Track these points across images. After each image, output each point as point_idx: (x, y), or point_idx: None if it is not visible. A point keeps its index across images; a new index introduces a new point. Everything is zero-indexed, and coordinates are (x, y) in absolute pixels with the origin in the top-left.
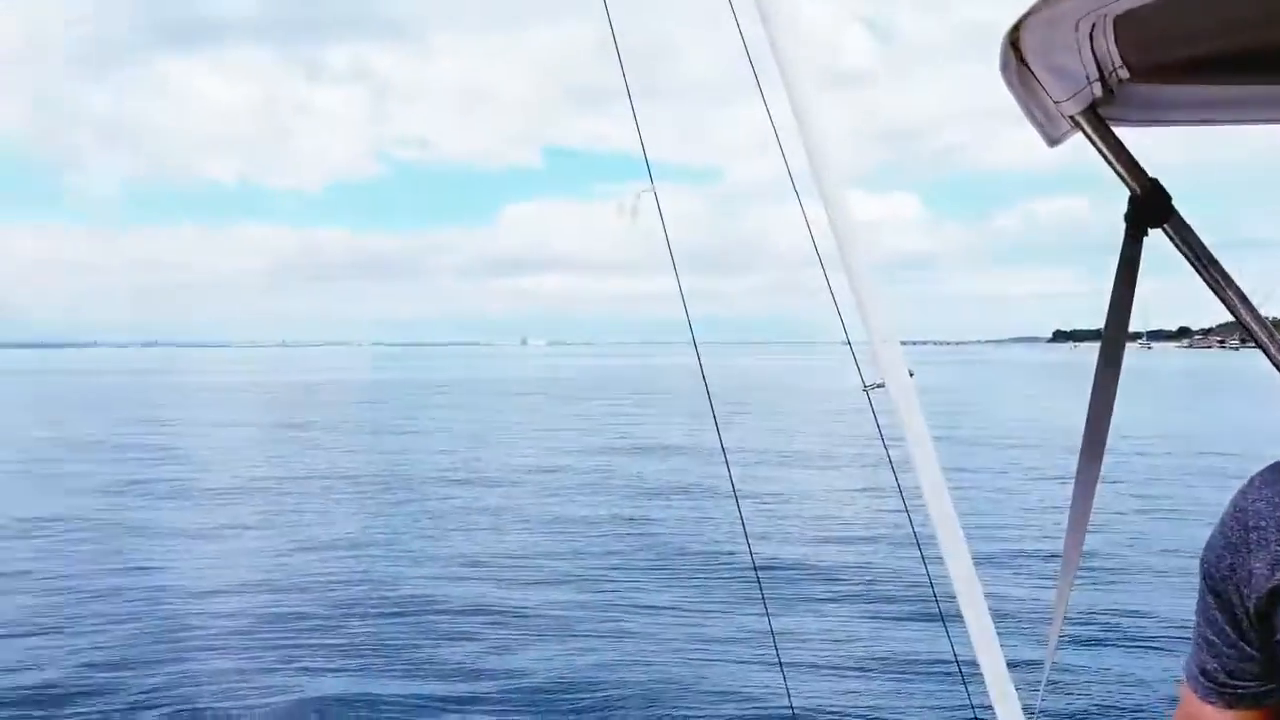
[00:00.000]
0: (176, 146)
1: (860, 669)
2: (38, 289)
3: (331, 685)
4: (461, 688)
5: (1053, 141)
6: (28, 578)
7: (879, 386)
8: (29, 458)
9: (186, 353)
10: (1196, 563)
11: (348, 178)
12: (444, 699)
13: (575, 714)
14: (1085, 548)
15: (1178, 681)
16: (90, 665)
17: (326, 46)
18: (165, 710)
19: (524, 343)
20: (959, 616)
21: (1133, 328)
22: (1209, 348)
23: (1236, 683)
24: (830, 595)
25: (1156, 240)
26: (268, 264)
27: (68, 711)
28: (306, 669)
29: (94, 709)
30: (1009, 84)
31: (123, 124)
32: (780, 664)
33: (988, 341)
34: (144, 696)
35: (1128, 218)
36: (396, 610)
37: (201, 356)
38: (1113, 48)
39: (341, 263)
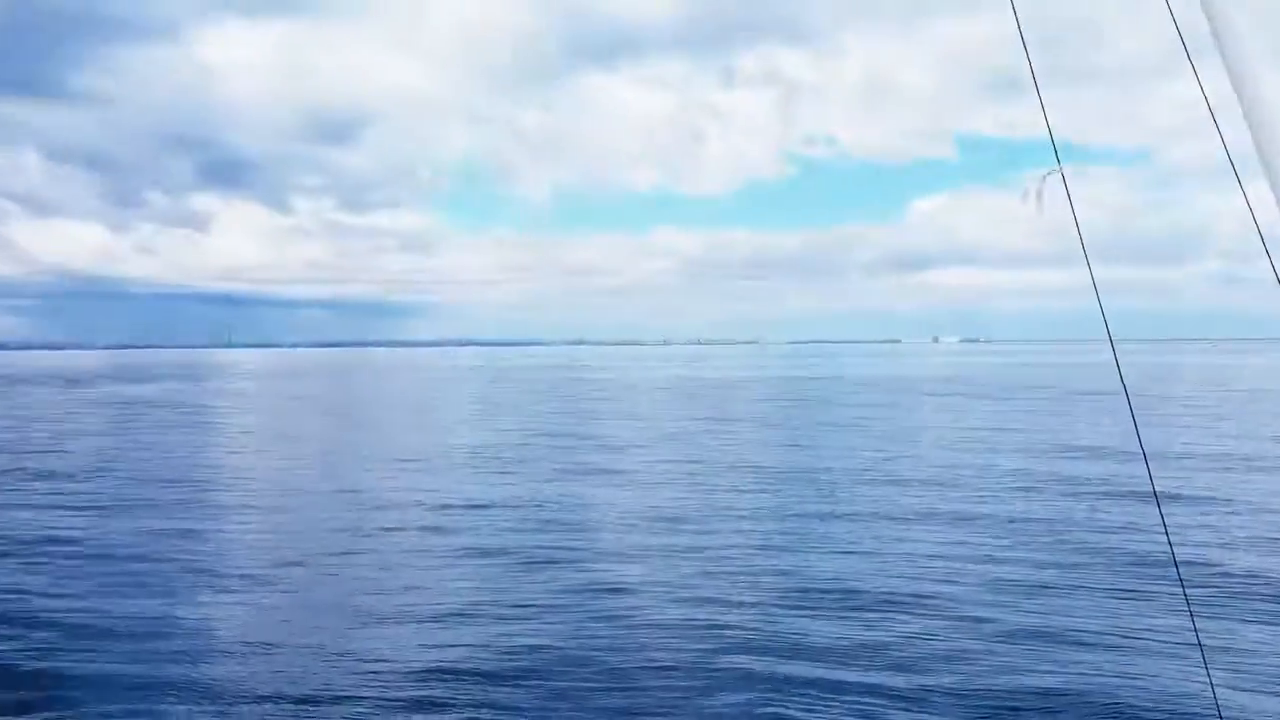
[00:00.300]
0: (600, 158)
1: None
2: (486, 292)
3: (755, 666)
4: (872, 678)
5: None
6: (478, 553)
7: None
8: (486, 444)
9: (608, 351)
10: None
11: (757, 179)
12: (857, 686)
13: (990, 711)
14: None
15: None
16: (523, 644)
17: (737, 52)
18: (597, 686)
19: (935, 340)
20: None
21: None
22: None
23: None
24: (1271, 612)
25: None
26: (680, 266)
27: (507, 687)
28: (729, 648)
29: (533, 687)
30: None
31: (552, 138)
32: (1210, 680)
33: None
34: (574, 671)
35: None
36: (813, 600)
37: (621, 354)
38: None
39: (750, 262)
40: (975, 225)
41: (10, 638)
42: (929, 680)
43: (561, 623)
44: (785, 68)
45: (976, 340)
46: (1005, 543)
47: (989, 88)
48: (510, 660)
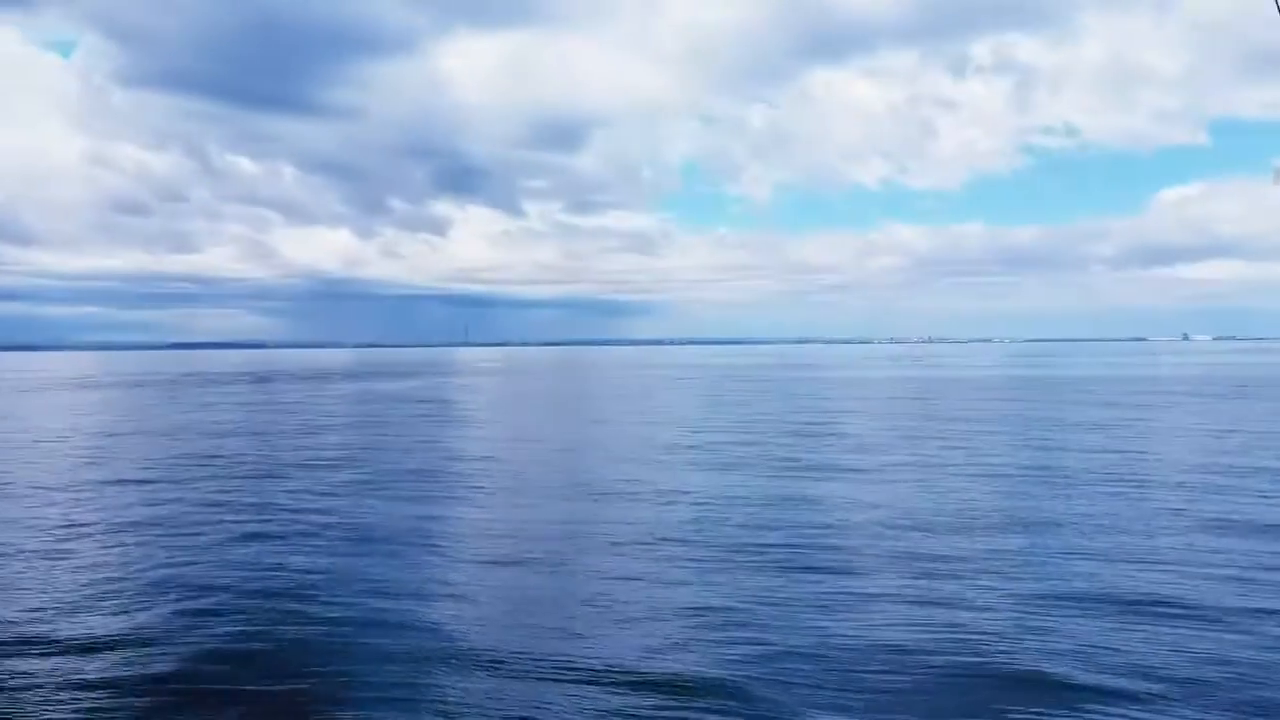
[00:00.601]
0: (827, 154)
1: None
2: (710, 290)
3: (998, 668)
4: (1121, 684)
5: None
6: (711, 549)
7: None
8: (718, 441)
9: (835, 349)
10: None
11: (989, 172)
12: (1099, 691)
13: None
14: None
15: None
16: (761, 641)
17: (969, 40)
18: (836, 689)
19: (1185, 338)
20: None
21: None
22: None
23: None
24: None
25: None
26: (909, 262)
27: (744, 680)
28: (970, 651)
29: (772, 685)
30: None
31: (777, 135)
32: None
33: None
34: (806, 671)
35: None
36: (1057, 604)
37: (849, 352)
38: None
39: (982, 259)
40: (1230, 216)
41: (280, 611)
42: (1184, 691)
43: (795, 624)
44: (1020, 54)
45: (1232, 338)
46: (1272, 550)
47: (1246, 67)
48: (748, 659)
